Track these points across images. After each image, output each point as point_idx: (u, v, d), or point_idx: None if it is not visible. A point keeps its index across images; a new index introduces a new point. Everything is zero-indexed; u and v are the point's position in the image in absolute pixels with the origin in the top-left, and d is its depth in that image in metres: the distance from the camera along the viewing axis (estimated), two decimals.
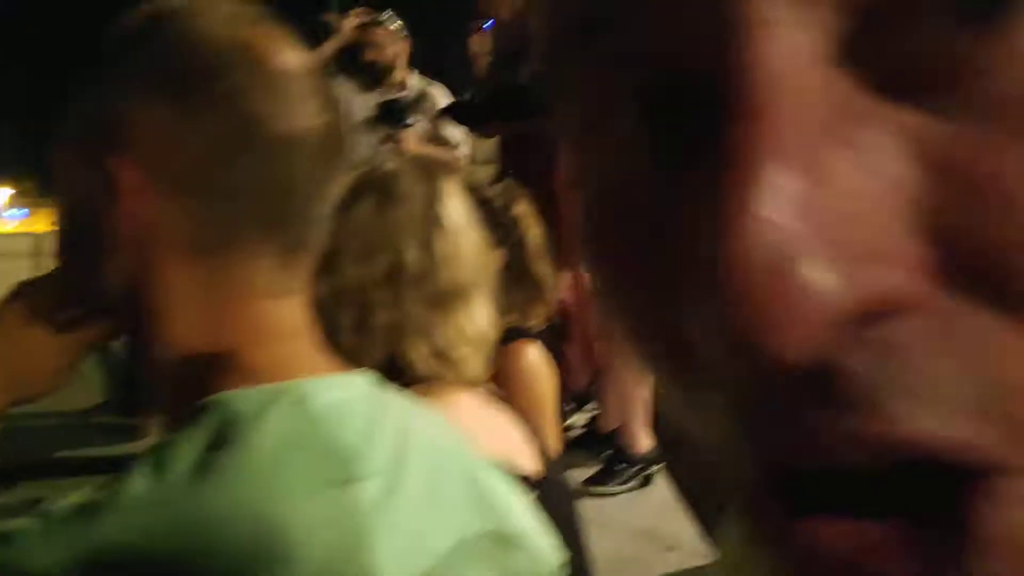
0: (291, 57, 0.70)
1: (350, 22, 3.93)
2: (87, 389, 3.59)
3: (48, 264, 0.78)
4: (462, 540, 0.70)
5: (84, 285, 0.72)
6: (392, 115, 3.80)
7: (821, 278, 0.17)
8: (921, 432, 0.18)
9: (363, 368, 1.10)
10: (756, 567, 0.22)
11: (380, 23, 3.99)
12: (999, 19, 0.18)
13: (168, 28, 0.69)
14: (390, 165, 1.16)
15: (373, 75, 3.96)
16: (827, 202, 0.18)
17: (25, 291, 0.75)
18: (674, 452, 3.22)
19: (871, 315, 0.18)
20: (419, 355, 1.11)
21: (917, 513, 0.19)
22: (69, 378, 0.77)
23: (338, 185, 0.74)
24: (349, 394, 0.71)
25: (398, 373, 1.12)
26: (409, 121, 3.81)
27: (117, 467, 0.62)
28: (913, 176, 0.18)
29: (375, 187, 1.13)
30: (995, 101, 0.18)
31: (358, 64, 3.98)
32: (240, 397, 0.65)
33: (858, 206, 0.18)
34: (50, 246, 0.77)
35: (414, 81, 3.99)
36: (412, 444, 0.72)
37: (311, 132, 0.69)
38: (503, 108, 3.07)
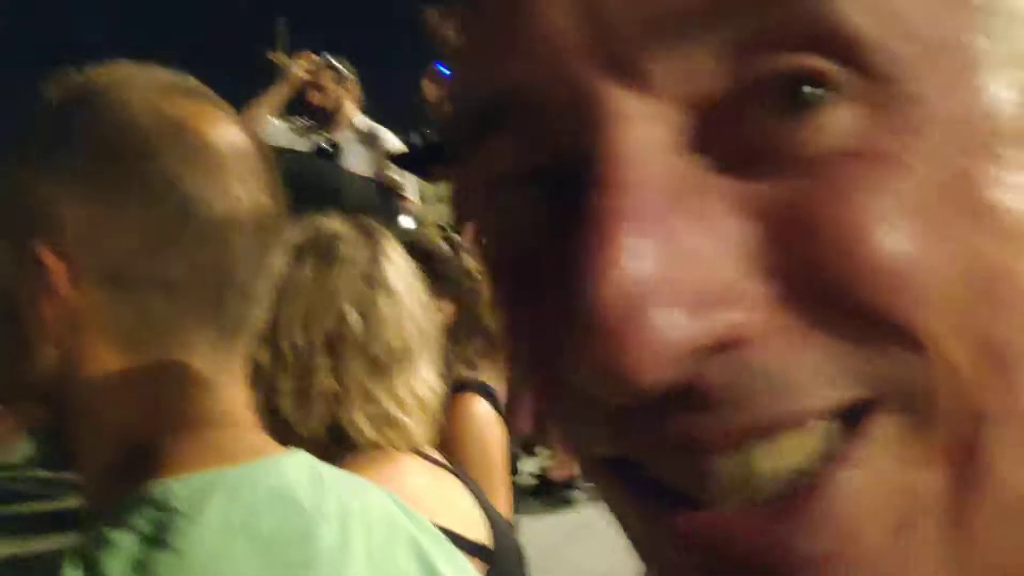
0: (226, 133, 0.67)
1: (297, 66, 3.90)
2: (18, 444, 3.49)
3: None
4: None
5: (7, 375, 0.69)
6: (329, 156, 3.77)
7: (667, 321, 0.21)
8: (782, 409, 0.23)
9: (304, 436, 1.08)
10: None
11: (327, 67, 3.97)
12: (800, 110, 0.23)
13: (98, 105, 0.66)
14: (331, 227, 1.14)
15: (317, 118, 3.94)
16: (673, 257, 0.22)
17: None
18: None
19: (724, 343, 0.23)
20: (362, 421, 1.08)
21: (764, 501, 0.24)
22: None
23: (276, 261, 0.72)
24: (288, 477, 0.68)
25: (341, 439, 1.10)
26: (341, 163, 3.77)
27: (52, 522, 0.59)
28: (744, 230, 0.23)
29: (316, 250, 1.11)
30: (802, 166, 0.23)
31: (303, 106, 3.96)
32: (175, 489, 0.62)
33: (700, 259, 0.22)
34: None
35: (360, 124, 3.97)
36: (356, 522, 0.70)
37: (249, 212, 0.67)
38: (446, 152, 3.08)
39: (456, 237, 1.95)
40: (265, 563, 0.61)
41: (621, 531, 0.29)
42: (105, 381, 0.65)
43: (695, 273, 0.22)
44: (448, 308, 1.80)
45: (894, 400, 0.23)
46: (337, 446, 1.07)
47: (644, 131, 0.23)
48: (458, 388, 1.72)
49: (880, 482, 0.23)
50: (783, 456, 0.24)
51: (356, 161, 3.80)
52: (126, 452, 0.65)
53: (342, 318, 1.09)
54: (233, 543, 0.60)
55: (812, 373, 0.23)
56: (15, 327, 0.65)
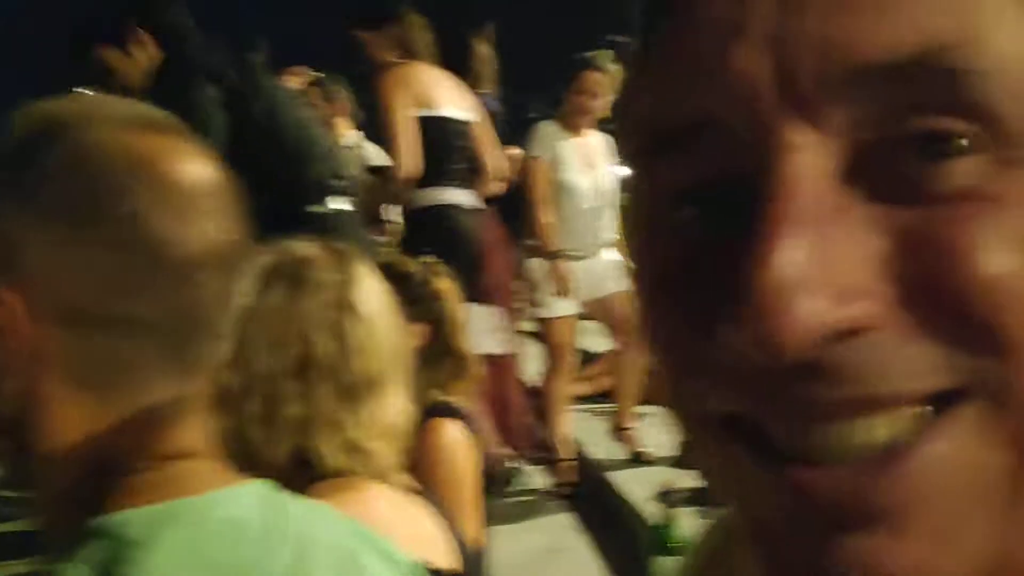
0: (194, 168, 0.67)
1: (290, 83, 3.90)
2: None
3: None
4: None
5: None
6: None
7: (812, 307, 0.27)
8: (890, 389, 0.29)
9: (270, 462, 1.07)
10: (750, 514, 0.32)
11: (315, 84, 3.96)
12: (938, 159, 0.29)
13: (63, 140, 0.64)
14: (302, 251, 1.14)
15: None
16: (822, 258, 0.28)
17: None
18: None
19: (853, 330, 0.28)
20: (329, 449, 1.08)
21: (862, 461, 0.29)
22: None
23: (238, 293, 0.71)
24: (244, 507, 0.68)
25: (308, 466, 1.09)
26: None
27: (21, 544, 0.59)
28: (879, 245, 0.29)
29: (286, 274, 1.10)
30: (931, 200, 0.29)
31: None
32: (130, 520, 0.62)
33: (843, 262, 0.28)
34: None
35: (349, 139, 3.96)
36: (315, 552, 0.70)
37: (217, 250, 0.66)
38: None
39: (429, 260, 1.95)
40: None
41: (722, 490, 0.34)
42: (64, 417, 0.64)
43: (838, 272, 0.28)
44: (421, 331, 1.80)
45: (979, 392, 0.29)
46: (303, 473, 1.06)
47: (811, 159, 0.29)
48: (430, 412, 1.72)
49: (958, 457, 0.29)
50: (884, 427, 0.29)
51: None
52: (83, 485, 0.64)
53: (311, 343, 1.08)
54: (186, 572, 0.60)
55: (917, 362, 0.29)
56: None
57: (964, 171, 0.29)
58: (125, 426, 0.65)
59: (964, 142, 0.29)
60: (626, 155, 0.36)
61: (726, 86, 0.30)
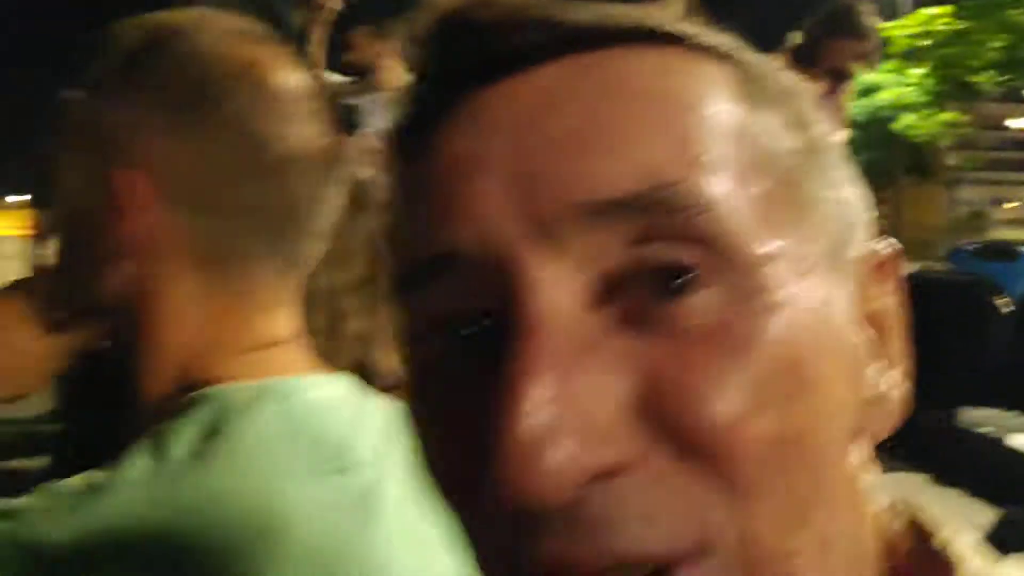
0: (292, 77, 0.72)
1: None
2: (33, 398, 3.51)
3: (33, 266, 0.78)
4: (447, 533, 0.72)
5: (78, 290, 0.72)
6: (348, 120, 3.69)
7: (562, 454, 0.28)
8: (634, 546, 0.29)
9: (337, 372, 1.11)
10: None
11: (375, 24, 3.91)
12: (674, 293, 0.31)
13: (175, 45, 0.71)
14: (365, 173, 1.17)
15: (353, 76, 3.90)
16: (567, 405, 0.28)
17: (15, 292, 0.75)
18: None
19: (604, 474, 0.29)
20: (389, 363, 1.12)
21: None
22: (50, 381, 0.77)
23: (336, 202, 0.76)
24: (333, 393, 0.73)
25: (369, 380, 1.13)
26: (362, 128, 3.68)
27: (61, 477, 0.64)
28: (630, 383, 0.30)
29: (350, 194, 1.13)
30: (673, 335, 0.30)
31: (339, 65, 3.92)
32: (230, 391, 0.67)
33: (589, 406, 0.29)
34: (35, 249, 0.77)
35: (403, 82, 3.91)
36: (394, 442, 0.74)
37: (311, 152, 0.72)
38: None
39: None
40: (306, 463, 0.65)
41: None
42: (174, 299, 0.69)
43: (587, 415, 0.29)
44: None
45: (719, 547, 0.30)
46: (366, 385, 1.10)
47: (557, 293, 0.30)
48: None
49: None
50: None
51: (382, 123, 3.75)
52: (185, 369, 0.69)
53: (373, 263, 1.12)
54: (278, 440, 0.65)
55: (664, 510, 0.30)
56: (91, 246, 0.69)
57: (701, 306, 0.31)
58: (230, 311, 0.70)
59: (695, 273, 0.31)
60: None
61: (469, 220, 0.32)
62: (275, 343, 0.72)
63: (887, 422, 0.36)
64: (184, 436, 0.64)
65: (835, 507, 0.33)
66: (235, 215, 0.70)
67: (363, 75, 3.90)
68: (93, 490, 0.61)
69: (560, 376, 0.29)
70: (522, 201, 0.31)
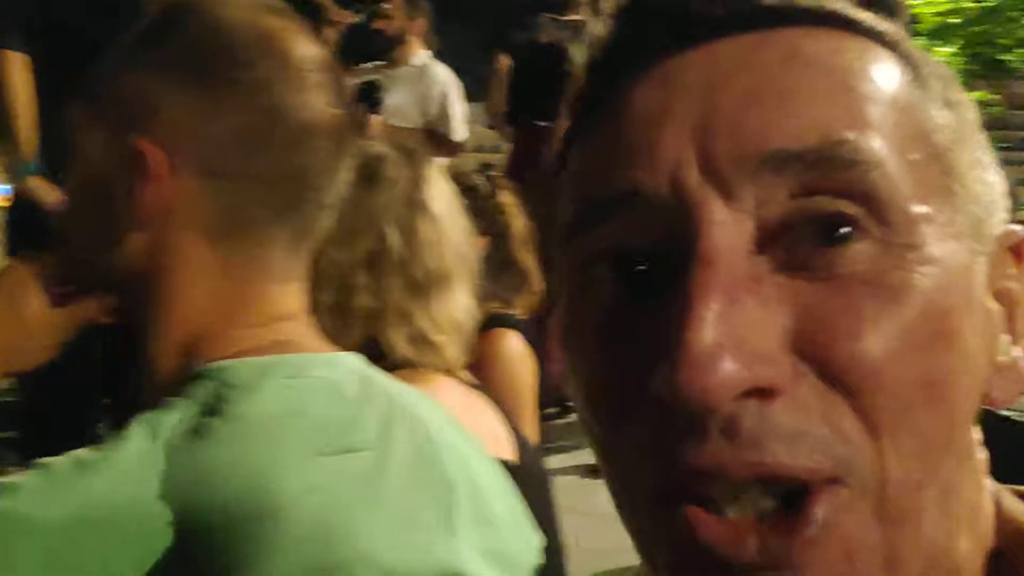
0: (309, 49, 0.72)
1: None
2: None
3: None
4: (445, 519, 0.71)
5: (90, 260, 0.72)
6: (367, 97, 3.67)
7: (729, 366, 0.31)
8: (779, 462, 0.32)
9: (341, 351, 1.11)
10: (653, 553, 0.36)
11: None
12: (834, 242, 0.34)
13: (197, 16, 0.71)
14: (375, 149, 1.16)
15: (378, 46, 3.90)
16: (737, 323, 0.32)
17: (24, 264, 0.75)
18: None
19: (760, 391, 0.32)
20: (398, 340, 1.12)
21: (765, 513, 0.33)
22: (56, 352, 0.77)
23: (346, 175, 0.76)
24: (340, 371, 0.72)
25: (377, 357, 1.13)
26: (381, 104, 3.67)
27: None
28: (786, 317, 0.33)
29: (359, 170, 1.13)
30: (830, 279, 0.33)
31: (365, 33, 3.91)
32: (234, 368, 0.66)
33: (755, 329, 0.32)
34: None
35: (419, 59, 3.92)
36: (398, 423, 0.74)
37: (326, 123, 0.71)
38: None
39: (494, 175, 1.97)
40: (311, 442, 0.65)
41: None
42: (187, 270, 0.69)
43: (749, 340, 0.32)
44: (482, 244, 1.82)
45: (852, 478, 0.33)
46: (373, 363, 1.10)
47: (728, 233, 0.33)
48: (490, 324, 1.75)
49: (836, 531, 0.33)
50: (772, 496, 0.33)
51: (403, 99, 3.74)
52: (192, 343, 0.69)
53: (383, 238, 1.12)
54: (283, 419, 0.64)
55: (806, 436, 0.32)
56: (107, 215, 0.69)
57: (858, 256, 0.33)
58: (241, 282, 0.70)
59: (854, 226, 0.33)
60: (558, 221, 0.40)
61: (655, 163, 0.35)
62: (284, 317, 0.72)
63: (1011, 391, 0.39)
64: (182, 414, 0.63)
65: (961, 460, 0.36)
66: (251, 184, 0.69)
67: (388, 47, 3.90)
68: (88, 467, 0.61)
69: (730, 302, 0.32)
70: (704, 149, 0.34)
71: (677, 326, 0.32)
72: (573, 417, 4.02)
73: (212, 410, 0.63)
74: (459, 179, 1.82)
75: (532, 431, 1.77)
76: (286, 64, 0.70)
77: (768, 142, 0.34)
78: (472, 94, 4.04)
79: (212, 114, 0.69)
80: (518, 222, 1.91)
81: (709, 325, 0.32)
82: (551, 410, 3.82)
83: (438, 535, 0.69)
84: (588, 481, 3.33)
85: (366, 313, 1.11)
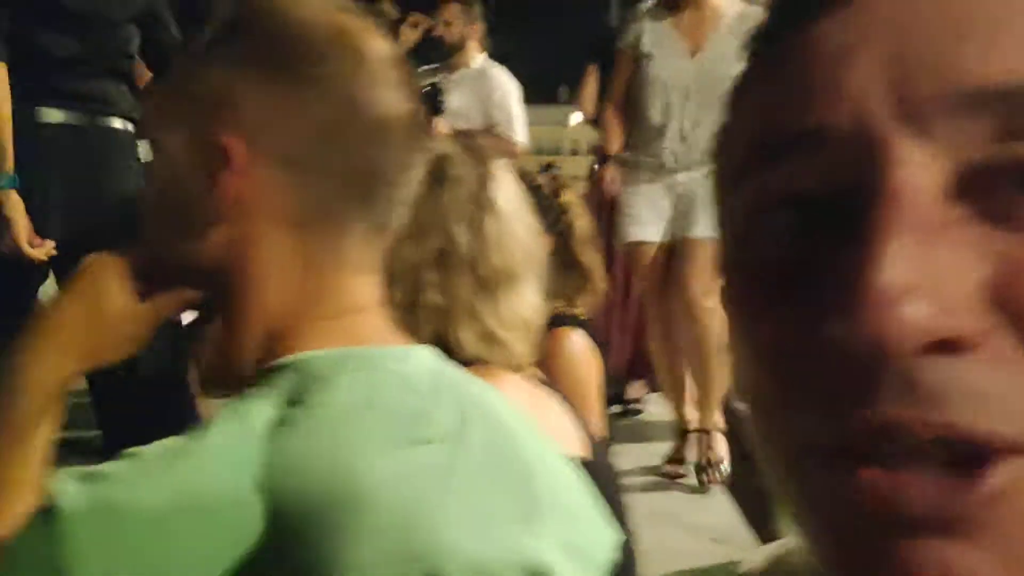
0: (383, 46, 0.74)
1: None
2: None
3: None
4: (524, 511, 0.71)
5: (172, 254, 0.74)
6: (429, 100, 3.71)
7: (918, 311, 0.28)
8: (965, 423, 0.29)
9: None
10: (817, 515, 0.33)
11: (459, 1, 3.95)
12: None
13: (273, 13, 0.73)
14: (442, 149, 1.18)
15: (439, 51, 3.95)
16: (929, 268, 0.29)
17: (109, 258, 0.78)
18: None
19: (948, 343, 0.29)
20: (466, 337, 1.13)
21: (942, 471, 0.30)
22: (142, 347, 0.79)
23: (418, 170, 0.77)
24: (415, 365, 0.73)
25: (446, 353, 1.14)
26: (443, 108, 3.71)
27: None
28: (981, 266, 0.30)
29: (428, 169, 1.14)
30: None
31: (427, 39, 3.96)
32: (314, 359, 0.68)
33: (948, 275, 0.29)
34: None
35: (478, 63, 3.95)
36: (473, 416, 0.74)
37: (400, 119, 0.73)
38: None
39: (558, 174, 1.97)
40: (386, 434, 0.66)
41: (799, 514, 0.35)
42: (268, 263, 0.71)
43: (942, 284, 0.29)
44: (547, 243, 1.83)
45: None
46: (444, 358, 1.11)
47: (920, 173, 0.31)
48: (554, 322, 1.75)
49: (1018, 501, 0.30)
50: (944, 454, 0.30)
51: (465, 102, 3.78)
52: (272, 335, 0.71)
53: (451, 236, 1.13)
54: (359, 410, 0.65)
55: (1004, 395, 0.29)
56: (189, 209, 0.71)
57: None
58: (321, 274, 0.71)
59: None
60: (729, 164, 0.38)
61: (842, 100, 0.32)
62: (360, 309, 0.73)
63: None
64: (267, 404, 0.65)
65: None
66: (329, 177, 0.71)
67: (447, 53, 3.94)
68: (181, 455, 0.62)
69: (919, 243, 0.29)
70: (896, 85, 0.32)
71: (859, 264, 0.29)
72: (635, 418, 4.00)
73: (295, 401, 0.65)
74: (523, 178, 1.83)
75: (599, 429, 1.77)
76: (361, 60, 0.72)
77: (966, 78, 0.31)
78: (529, 96, 4.05)
79: (291, 108, 0.70)
80: (581, 221, 1.91)
81: (897, 263, 0.29)
82: (615, 408, 3.81)
83: (519, 527, 0.69)
84: (649, 479, 3.31)
85: (435, 310, 1.13)
